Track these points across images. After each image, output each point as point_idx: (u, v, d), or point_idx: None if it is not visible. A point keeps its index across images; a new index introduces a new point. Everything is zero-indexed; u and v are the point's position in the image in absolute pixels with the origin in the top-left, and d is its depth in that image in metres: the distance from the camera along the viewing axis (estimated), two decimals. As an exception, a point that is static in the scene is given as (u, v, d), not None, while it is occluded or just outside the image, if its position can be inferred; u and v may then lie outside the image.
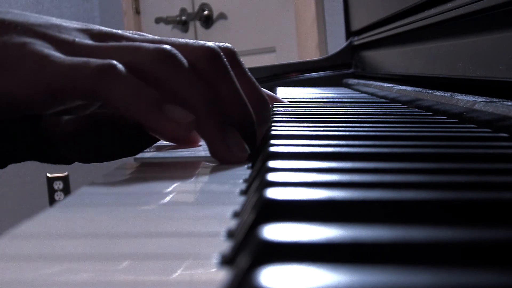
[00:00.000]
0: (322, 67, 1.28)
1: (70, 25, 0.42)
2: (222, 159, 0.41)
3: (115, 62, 0.38)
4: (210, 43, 0.43)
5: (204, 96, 0.40)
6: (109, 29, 0.43)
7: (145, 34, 0.45)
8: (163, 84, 0.40)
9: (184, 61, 0.40)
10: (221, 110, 0.41)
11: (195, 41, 0.43)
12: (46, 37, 0.39)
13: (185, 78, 0.40)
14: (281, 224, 0.19)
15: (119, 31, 0.43)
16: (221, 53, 0.42)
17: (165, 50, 0.40)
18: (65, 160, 0.51)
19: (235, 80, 0.42)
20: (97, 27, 0.43)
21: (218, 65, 0.42)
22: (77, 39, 0.40)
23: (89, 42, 0.40)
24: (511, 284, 0.14)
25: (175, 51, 0.40)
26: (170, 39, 0.43)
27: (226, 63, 0.42)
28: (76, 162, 0.53)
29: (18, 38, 0.39)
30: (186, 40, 0.43)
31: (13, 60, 0.38)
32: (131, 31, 0.44)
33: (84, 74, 0.38)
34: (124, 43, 0.41)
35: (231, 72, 0.42)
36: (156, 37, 0.44)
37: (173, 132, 0.39)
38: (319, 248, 0.18)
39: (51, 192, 2.37)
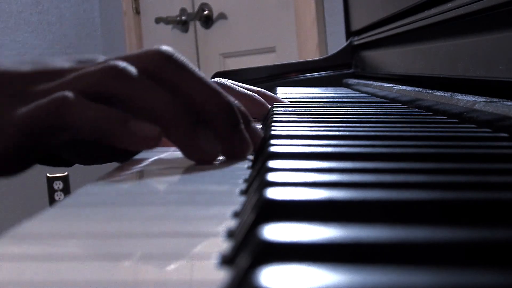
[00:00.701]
0: (322, 67, 1.28)
1: (22, 69, 0.41)
2: (198, 160, 0.41)
3: (65, 92, 0.38)
4: (160, 48, 0.42)
5: (163, 103, 0.39)
6: (60, 62, 0.42)
7: (99, 56, 0.44)
8: (122, 99, 0.39)
9: (133, 71, 0.39)
10: (186, 110, 0.40)
11: (145, 49, 0.42)
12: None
13: (138, 89, 0.39)
14: (281, 224, 0.19)
15: (67, 64, 0.42)
16: (173, 53, 0.41)
17: (110, 66, 0.39)
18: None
19: (196, 72, 0.41)
20: (50, 64, 0.42)
21: (173, 65, 0.41)
22: (29, 89, 0.40)
23: (40, 87, 0.40)
24: (511, 284, 0.14)
25: (121, 64, 0.39)
26: (122, 55, 0.42)
27: (181, 59, 0.41)
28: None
29: None
30: (138, 51, 0.42)
31: None
32: (84, 58, 0.44)
33: (41, 115, 0.38)
34: (72, 74, 0.40)
35: (188, 66, 0.41)
36: (104, 57, 0.43)
37: (143, 147, 0.39)
38: (319, 248, 0.18)
39: (51, 192, 2.38)
